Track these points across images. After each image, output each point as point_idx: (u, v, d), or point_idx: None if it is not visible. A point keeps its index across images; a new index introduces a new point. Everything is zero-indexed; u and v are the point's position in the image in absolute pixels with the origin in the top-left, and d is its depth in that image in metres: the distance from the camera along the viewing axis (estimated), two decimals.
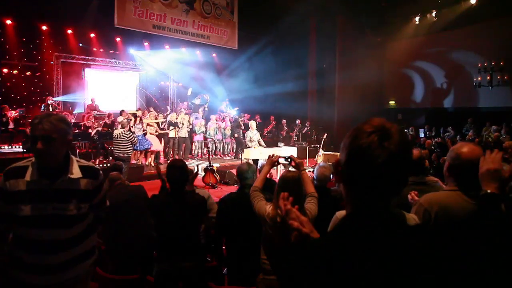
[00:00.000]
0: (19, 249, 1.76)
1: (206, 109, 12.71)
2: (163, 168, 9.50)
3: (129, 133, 7.83)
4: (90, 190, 1.84)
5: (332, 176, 4.00)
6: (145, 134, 9.54)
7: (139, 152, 9.54)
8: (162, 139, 10.52)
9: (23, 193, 1.71)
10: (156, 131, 10.05)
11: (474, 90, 12.68)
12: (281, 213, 1.21)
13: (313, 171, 3.69)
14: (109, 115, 10.69)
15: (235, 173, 8.75)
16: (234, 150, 12.05)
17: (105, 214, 2.12)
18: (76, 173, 1.79)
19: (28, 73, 11.85)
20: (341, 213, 1.80)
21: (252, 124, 9.66)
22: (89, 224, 1.91)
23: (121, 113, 9.70)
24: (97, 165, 8.64)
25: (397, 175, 0.82)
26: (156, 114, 10.60)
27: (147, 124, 9.78)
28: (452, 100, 14.60)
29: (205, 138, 11.46)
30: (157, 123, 10.23)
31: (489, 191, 1.40)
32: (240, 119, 12.03)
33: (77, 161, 1.84)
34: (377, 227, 0.83)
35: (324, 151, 10.87)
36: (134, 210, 3.44)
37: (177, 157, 10.35)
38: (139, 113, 9.81)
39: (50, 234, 1.74)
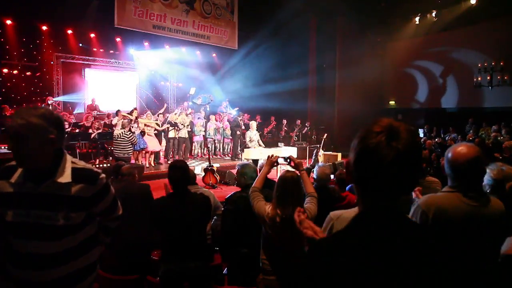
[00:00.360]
0: (8, 261, 1.55)
1: (208, 109, 12.71)
2: (163, 168, 9.51)
3: (129, 133, 7.88)
4: (85, 197, 1.55)
5: (333, 176, 4.01)
6: (143, 134, 9.52)
7: (137, 152, 9.52)
8: (163, 139, 10.51)
9: (8, 196, 1.50)
10: (155, 130, 10.00)
11: (474, 90, 12.68)
12: (297, 225, 1.30)
13: (313, 171, 3.70)
14: (108, 115, 10.69)
15: (235, 173, 8.72)
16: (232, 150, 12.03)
17: (116, 225, 1.83)
18: (65, 176, 1.51)
19: (28, 73, 11.85)
20: (335, 213, 1.79)
21: (253, 124, 9.66)
22: (88, 237, 1.63)
23: (117, 113, 9.67)
24: (97, 165, 8.76)
25: (406, 174, 0.83)
26: (156, 116, 10.49)
27: (145, 124, 9.74)
28: (452, 100, 14.60)
29: (205, 138, 11.45)
30: (157, 123, 10.17)
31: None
32: (239, 119, 12.02)
33: (73, 162, 1.57)
34: (387, 226, 0.84)
35: (324, 151, 10.88)
36: (135, 207, 3.46)
37: (177, 157, 10.38)
38: (134, 114, 9.70)
39: (34, 246, 1.48)
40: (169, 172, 2.68)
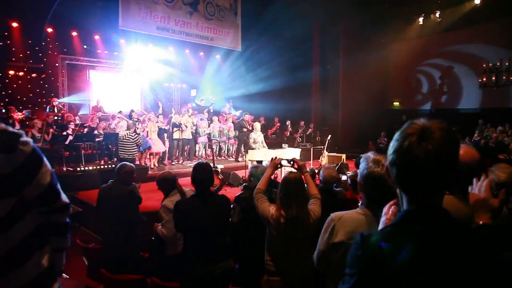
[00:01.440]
0: None
1: (211, 110, 12.74)
2: (167, 169, 9.51)
3: (135, 135, 7.93)
4: (4, 174, 1.01)
5: (346, 177, 3.99)
6: (146, 134, 9.52)
7: (142, 153, 9.52)
8: (167, 140, 10.53)
9: None
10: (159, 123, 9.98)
11: (479, 91, 12.59)
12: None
13: (318, 172, 3.69)
14: (113, 117, 10.74)
15: (239, 174, 8.67)
16: (236, 152, 12.01)
17: (65, 219, 1.26)
18: None
19: (33, 75, 11.96)
20: (336, 215, 1.76)
21: (257, 125, 9.63)
22: (25, 237, 1.08)
23: (120, 113, 9.67)
24: (102, 166, 8.81)
25: (441, 173, 0.85)
26: (156, 119, 10.44)
27: (149, 118, 9.73)
28: (457, 101, 14.51)
29: (209, 139, 11.46)
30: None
31: (481, 222, 1.26)
32: (243, 120, 12.00)
33: None
34: (430, 225, 0.86)
35: (328, 152, 10.85)
36: (116, 207, 3.51)
37: (181, 158, 10.44)
38: (134, 116, 9.70)
39: None
40: (194, 173, 2.63)
